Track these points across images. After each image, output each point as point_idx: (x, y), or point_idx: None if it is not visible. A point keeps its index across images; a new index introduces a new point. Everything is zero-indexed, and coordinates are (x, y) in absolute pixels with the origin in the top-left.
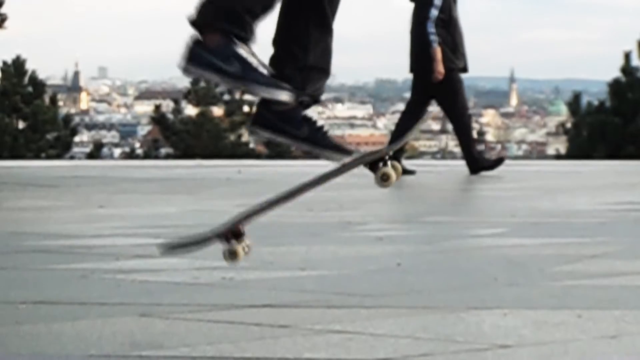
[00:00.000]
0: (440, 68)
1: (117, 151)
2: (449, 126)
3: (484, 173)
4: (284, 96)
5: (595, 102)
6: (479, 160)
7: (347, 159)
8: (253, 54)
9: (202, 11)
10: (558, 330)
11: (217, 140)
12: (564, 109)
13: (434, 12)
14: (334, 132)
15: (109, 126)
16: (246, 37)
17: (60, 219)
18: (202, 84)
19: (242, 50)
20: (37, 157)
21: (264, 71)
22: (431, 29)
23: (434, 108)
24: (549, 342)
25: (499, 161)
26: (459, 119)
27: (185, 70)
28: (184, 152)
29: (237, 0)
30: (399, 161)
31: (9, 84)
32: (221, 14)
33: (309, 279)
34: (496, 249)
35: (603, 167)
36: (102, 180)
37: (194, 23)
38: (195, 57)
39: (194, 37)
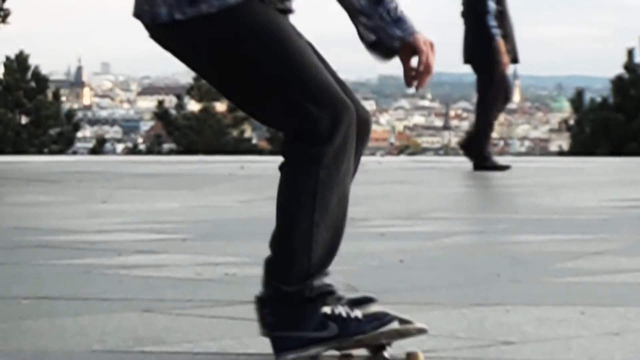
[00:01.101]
0: (505, 59)
1: (120, 147)
2: (452, 123)
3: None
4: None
5: (598, 99)
6: (486, 160)
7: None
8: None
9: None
10: (561, 327)
11: (220, 136)
12: (566, 106)
13: (492, 5)
14: None
15: (111, 121)
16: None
17: (62, 214)
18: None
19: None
20: (39, 152)
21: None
22: (492, 22)
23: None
24: (551, 338)
25: (504, 168)
26: (485, 112)
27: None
28: (187, 148)
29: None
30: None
31: (12, 79)
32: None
33: None
34: (499, 245)
35: (606, 164)
36: (105, 175)
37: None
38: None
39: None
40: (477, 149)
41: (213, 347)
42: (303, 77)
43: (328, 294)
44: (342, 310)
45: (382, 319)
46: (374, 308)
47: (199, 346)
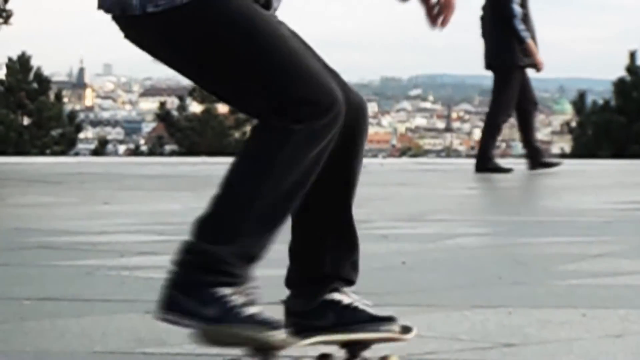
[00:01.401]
0: (539, 59)
1: (122, 148)
2: (454, 125)
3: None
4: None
5: (600, 101)
6: (489, 162)
7: None
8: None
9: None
10: (562, 329)
11: (222, 138)
12: (568, 108)
13: (517, 8)
14: None
15: (113, 123)
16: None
17: (64, 215)
18: None
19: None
20: (41, 153)
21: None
22: (520, 25)
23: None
24: (553, 340)
25: (506, 170)
26: (495, 115)
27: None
28: (189, 149)
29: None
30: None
31: (14, 80)
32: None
33: None
34: (501, 247)
35: (608, 166)
36: (107, 177)
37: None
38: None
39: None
40: (482, 152)
41: (215, 348)
42: (287, 62)
43: (233, 277)
44: (232, 298)
45: (263, 322)
46: (385, 327)
47: (200, 347)
